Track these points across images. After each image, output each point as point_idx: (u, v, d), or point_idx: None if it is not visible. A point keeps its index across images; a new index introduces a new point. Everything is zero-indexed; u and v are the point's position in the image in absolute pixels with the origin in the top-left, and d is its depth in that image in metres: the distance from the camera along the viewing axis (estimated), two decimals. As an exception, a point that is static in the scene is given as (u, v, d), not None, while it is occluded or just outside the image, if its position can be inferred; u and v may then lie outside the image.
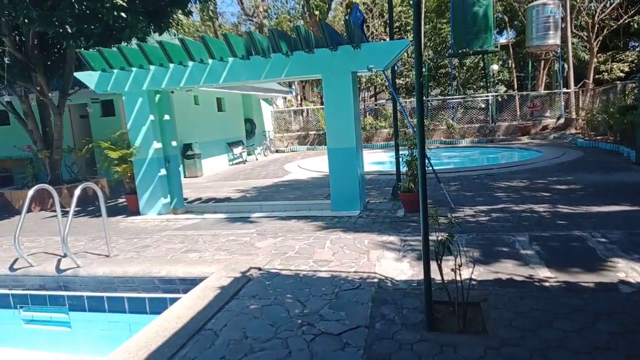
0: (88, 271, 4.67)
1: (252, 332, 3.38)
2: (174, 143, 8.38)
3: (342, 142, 6.99)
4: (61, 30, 8.24)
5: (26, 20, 7.94)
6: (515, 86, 25.89)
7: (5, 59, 9.54)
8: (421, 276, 3.96)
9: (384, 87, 28.46)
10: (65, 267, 4.80)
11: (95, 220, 7.74)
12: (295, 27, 6.85)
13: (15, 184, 12.54)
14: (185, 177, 13.00)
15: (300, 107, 24.38)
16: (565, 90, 20.03)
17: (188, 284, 4.55)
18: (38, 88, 9.70)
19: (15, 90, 9.82)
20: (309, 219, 6.81)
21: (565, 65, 21.69)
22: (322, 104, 25.74)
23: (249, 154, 17.72)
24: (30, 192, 5.17)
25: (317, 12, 23.42)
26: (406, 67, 28.66)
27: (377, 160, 15.50)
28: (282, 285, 4.22)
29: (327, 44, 6.71)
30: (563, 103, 19.32)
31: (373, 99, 32.33)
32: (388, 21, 8.09)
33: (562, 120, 18.79)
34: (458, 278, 3.27)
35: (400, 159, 7.19)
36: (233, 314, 3.70)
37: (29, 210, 8.93)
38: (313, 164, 14.30)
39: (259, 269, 4.69)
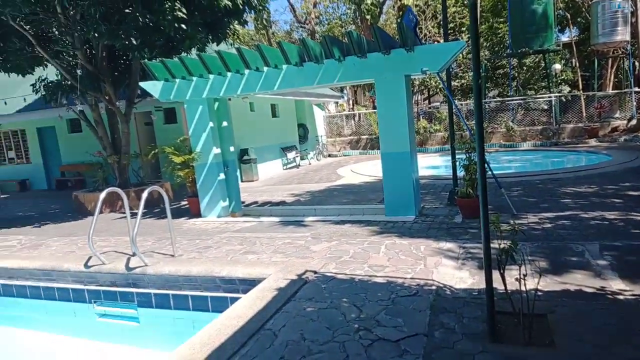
0: (155, 270, 4.94)
1: (309, 334, 3.43)
2: (231, 148, 8.67)
3: (396, 146, 6.92)
4: (127, 43, 8.79)
5: (96, 35, 8.54)
6: (580, 86, 24.46)
7: (78, 71, 10.30)
8: (482, 285, 3.84)
9: (438, 90, 27.84)
10: (134, 266, 5.11)
11: (161, 222, 8.14)
12: (347, 32, 6.89)
13: (87, 187, 13.48)
14: (242, 181, 13.39)
15: (352, 112, 24.40)
16: (636, 89, 18.65)
17: (247, 284, 4.69)
18: (107, 97, 10.38)
19: (86, 100, 10.57)
20: (363, 223, 6.80)
21: (637, 63, 20.20)
22: (374, 108, 25.60)
23: (302, 159, 17.96)
24: (102, 195, 5.54)
25: (368, 17, 23.38)
26: (461, 68, 27.89)
27: (432, 164, 15.19)
28: (337, 289, 4.25)
29: (380, 48, 6.68)
30: (635, 103, 17.99)
31: (427, 101, 31.72)
32: (442, 22, 7.96)
33: (633, 122, 17.51)
34: (522, 288, 3.13)
35: (457, 163, 7.01)
36: (290, 316, 3.77)
37: (100, 212, 9.56)
38: (366, 169, 14.25)
39: (315, 272, 4.74)
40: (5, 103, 14.55)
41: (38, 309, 5.59)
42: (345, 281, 4.44)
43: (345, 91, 26.89)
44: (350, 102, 28.37)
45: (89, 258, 5.51)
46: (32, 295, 5.64)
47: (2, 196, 11.25)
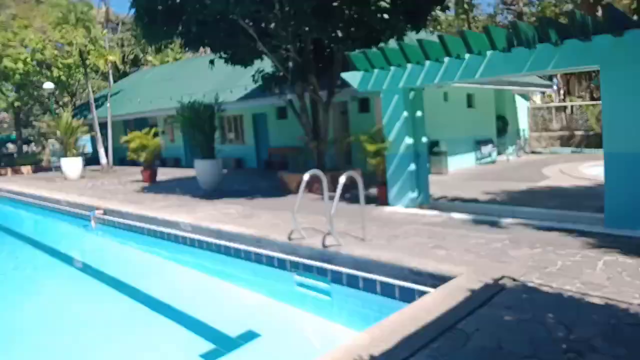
0: (348, 250, 5.20)
1: (507, 344, 3.13)
2: (424, 139, 8.54)
3: (627, 145, 5.75)
4: (333, 36, 9.39)
5: (307, 29, 9.32)
6: None
7: (290, 63, 11.47)
8: None
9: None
10: (329, 244, 5.48)
11: (351, 207, 8.49)
12: (569, 11, 5.99)
13: (289, 168, 15.08)
14: (430, 173, 13.11)
15: (564, 103, 21.41)
16: None
17: (436, 279, 4.55)
18: (311, 87, 11.32)
19: (294, 90, 11.70)
20: (574, 233, 5.87)
21: None
22: (592, 99, 21.98)
23: (498, 154, 16.62)
24: (306, 176, 6.08)
25: (592, -7, 19.99)
26: None
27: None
28: (541, 302, 3.78)
29: (610, 29, 5.59)
30: None
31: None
32: None
33: None
34: None
35: None
36: (485, 321, 3.51)
37: (298, 191, 10.56)
38: (579, 170, 12.33)
39: (513, 279, 4.31)
40: (231, 91, 17.28)
41: (248, 270, 6.49)
42: (551, 295, 3.93)
43: (555, 79, 23.76)
44: (561, 92, 24.93)
45: (291, 231, 6.12)
46: (245, 257, 6.58)
47: (223, 171, 13.43)
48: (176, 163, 22.04)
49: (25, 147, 28.89)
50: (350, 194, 9.73)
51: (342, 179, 5.58)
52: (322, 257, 5.43)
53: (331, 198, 5.96)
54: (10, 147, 31.41)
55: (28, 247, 9.86)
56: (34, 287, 7.27)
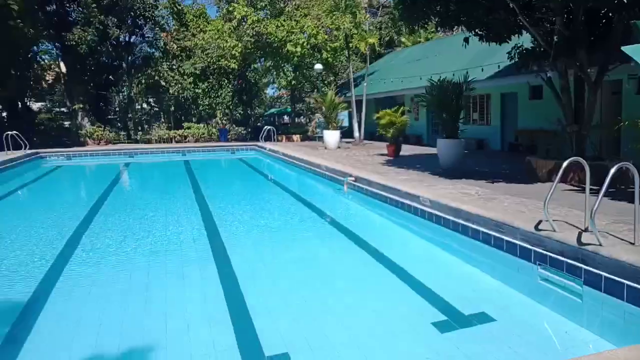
0: (610, 252, 4.54)
1: None
2: None
3: None
4: (615, 2, 7.95)
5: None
6: None
7: (554, 38, 10.27)
8: None
9: None
10: (586, 242, 4.88)
11: (618, 204, 7.25)
12: None
13: (537, 153, 13.74)
14: None
15: None
16: None
17: None
18: (578, 64, 9.92)
19: (557, 67, 10.47)
20: None
21: None
22: None
23: None
24: (565, 164, 5.49)
25: None
26: None
27: None
28: None
29: None
30: None
31: None
32: None
33: None
34: None
35: None
36: None
37: (549, 180, 9.56)
38: None
39: None
40: (482, 70, 16.61)
41: (485, 253, 6.38)
42: None
43: None
44: None
45: (539, 222, 5.69)
46: (483, 240, 6.47)
47: (464, 152, 13.20)
48: (418, 140, 22.83)
49: (296, 119, 35.00)
50: (616, 189, 8.32)
51: (613, 170, 4.84)
52: (575, 255, 4.89)
53: (594, 192, 5.26)
54: (286, 118, 39.42)
55: (295, 202, 12.04)
56: (296, 234, 8.89)
